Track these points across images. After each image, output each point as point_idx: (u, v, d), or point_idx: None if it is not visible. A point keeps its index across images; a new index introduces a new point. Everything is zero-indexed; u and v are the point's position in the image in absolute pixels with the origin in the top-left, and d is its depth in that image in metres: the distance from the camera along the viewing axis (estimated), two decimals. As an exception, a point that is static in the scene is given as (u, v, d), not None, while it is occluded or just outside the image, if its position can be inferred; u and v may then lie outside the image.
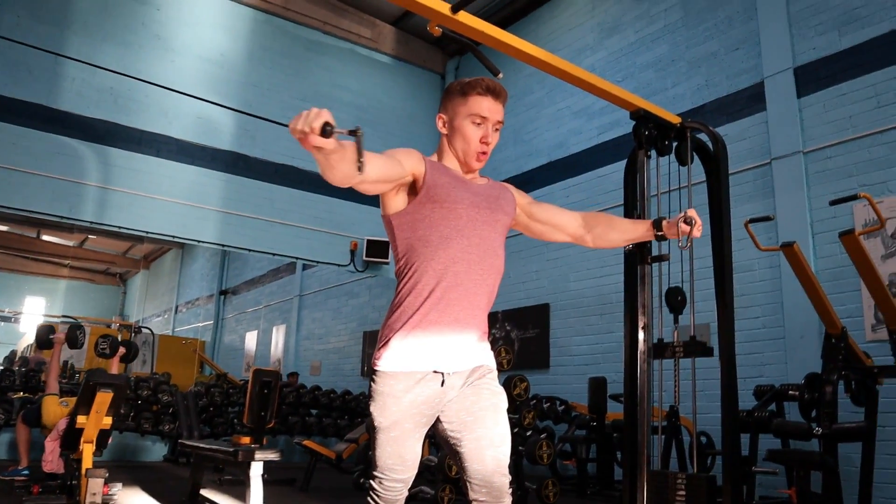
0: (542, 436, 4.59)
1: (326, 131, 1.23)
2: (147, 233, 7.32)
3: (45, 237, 18.62)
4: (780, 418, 4.20)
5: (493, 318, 7.77)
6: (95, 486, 3.65)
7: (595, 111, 7.39)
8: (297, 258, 8.49)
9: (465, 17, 2.16)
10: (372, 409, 1.66)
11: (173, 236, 7.41)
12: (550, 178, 7.80)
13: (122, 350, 5.26)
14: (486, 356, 1.77)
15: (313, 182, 8.05)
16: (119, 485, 4.60)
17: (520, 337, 7.76)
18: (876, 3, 5.14)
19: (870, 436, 3.65)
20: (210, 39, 7.92)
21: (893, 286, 4.82)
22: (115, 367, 5.18)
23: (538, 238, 2.04)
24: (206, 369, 14.88)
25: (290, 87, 8.32)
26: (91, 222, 6.95)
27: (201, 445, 4.36)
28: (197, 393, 8.03)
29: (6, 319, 19.11)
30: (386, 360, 1.66)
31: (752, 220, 3.89)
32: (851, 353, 3.89)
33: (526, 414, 4.43)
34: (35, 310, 20.85)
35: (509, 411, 3.04)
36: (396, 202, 1.72)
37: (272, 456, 3.84)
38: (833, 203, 3.68)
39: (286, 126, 1.32)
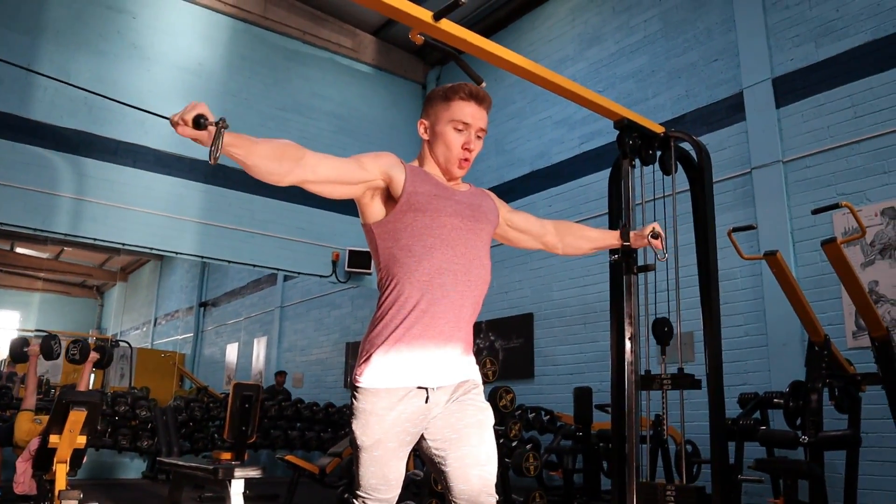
0: (528, 447, 4.55)
1: (200, 123, 1.30)
2: (124, 245, 7.18)
3: (20, 249, 18.25)
4: (766, 427, 4.21)
5: (476, 328, 7.72)
6: (69, 507, 3.53)
7: (577, 121, 7.41)
8: (278, 269, 8.38)
9: (447, 24, 2.13)
10: (354, 427, 1.60)
11: (151, 248, 7.28)
12: (532, 188, 7.80)
13: (94, 355, 4.95)
14: (471, 370, 1.72)
15: (294, 192, 7.96)
16: (94, 505, 4.47)
17: (503, 347, 7.72)
18: (851, 16, 5.22)
19: (855, 444, 3.65)
20: (188, 48, 7.82)
21: (873, 293, 4.87)
22: (86, 373, 4.90)
23: (510, 245, 2.03)
24: (186, 383, 14.64)
25: (269, 96, 8.24)
26: (66, 234, 6.80)
27: (180, 463, 4.25)
28: (176, 408, 7.87)
29: (-22, 334, 18.67)
30: (368, 377, 1.60)
31: (736, 230, 3.90)
32: (835, 361, 3.90)
33: (512, 426, 4.38)
34: (9, 324, 20.40)
35: (495, 423, 2.99)
36: (374, 210, 1.67)
37: (253, 473, 3.75)
38: (815, 212, 3.69)
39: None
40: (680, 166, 3.07)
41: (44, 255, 19.13)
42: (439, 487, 4.01)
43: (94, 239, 6.91)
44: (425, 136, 1.79)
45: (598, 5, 7.48)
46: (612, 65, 7.19)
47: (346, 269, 8.29)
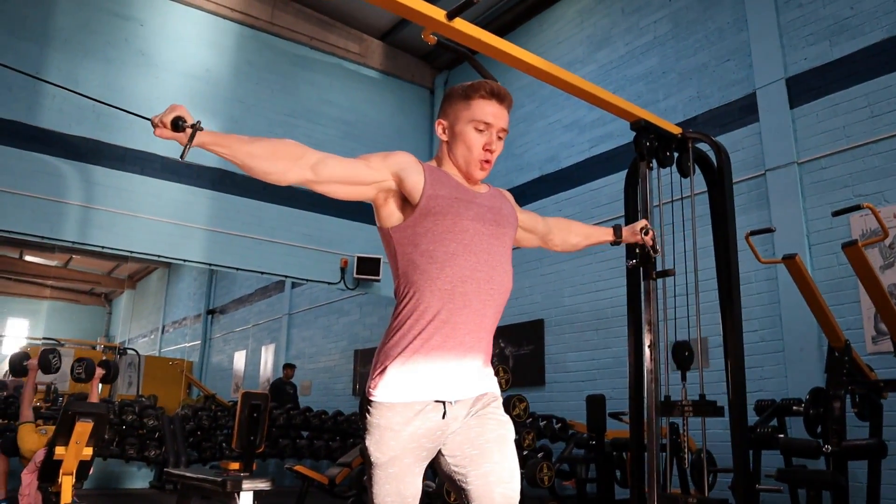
0: (539, 455, 4.46)
1: (178, 125, 1.32)
2: (132, 252, 7.14)
3: (28, 257, 18.29)
4: (784, 435, 4.10)
5: (486, 335, 7.63)
6: (75, 520, 3.47)
7: (586, 124, 7.34)
8: (286, 276, 8.33)
9: (461, 24, 2.07)
10: (368, 443, 1.52)
11: (159, 256, 7.24)
12: (542, 192, 7.72)
13: (100, 372, 4.99)
14: (490, 383, 1.64)
15: (302, 199, 7.92)
16: (101, 516, 4.41)
17: (514, 354, 7.63)
18: (866, 13, 5.13)
19: (880, 453, 3.54)
20: (195, 55, 7.80)
21: (893, 297, 4.76)
22: (94, 390, 4.96)
23: (514, 245, 1.96)
24: (193, 390, 14.61)
25: (276, 102, 8.21)
26: (73, 242, 6.77)
27: (188, 475, 4.18)
28: (184, 416, 7.81)
29: (-13, 342, 18.75)
30: (382, 390, 1.51)
31: (754, 233, 3.81)
32: (856, 367, 3.80)
33: (525, 435, 4.30)
34: (18, 332, 20.44)
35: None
36: (389, 213, 1.59)
37: (262, 486, 3.68)
38: (836, 214, 3.60)
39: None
40: (697, 168, 2.99)
41: (52, 263, 19.17)
42: (452, 499, 3.92)
43: (102, 247, 6.88)
44: (443, 137, 1.70)
45: (606, 7, 7.41)
46: (621, 67, 7.11)
47: (355, 275, 8.22)
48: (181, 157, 1.36)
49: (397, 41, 9.17)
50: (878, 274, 4.54)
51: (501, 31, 8.46)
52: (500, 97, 1.65)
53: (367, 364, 10.73)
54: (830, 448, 3.43)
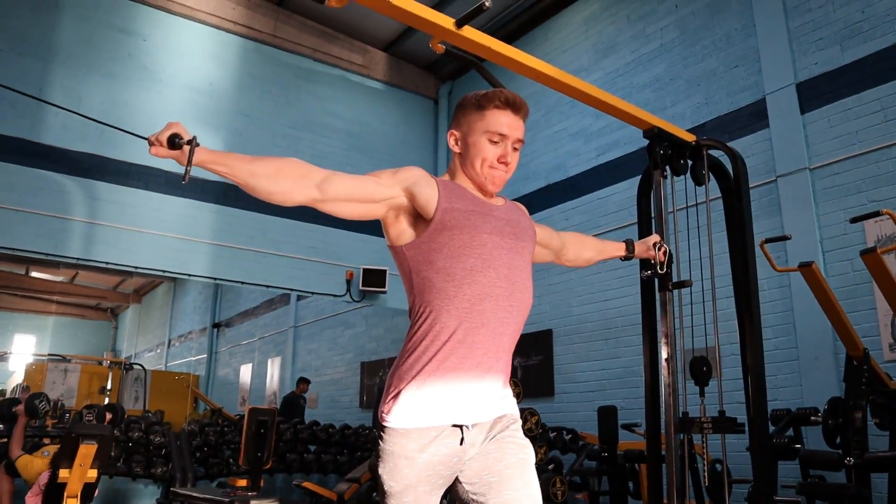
0: (549, 466, 4.37)
1: (175, 143, 1.30)
2: (136, 268, 7.10)
3: (34, 273, 18.31)
4: (801, 445, 4.00)
5: (494, 346, 7.56)
6: (80, 544, 3.39)
7: (593, 132, 7.28)
8: (291, 290, 8.27)
9: (470, 32, 2.01)
10: (381, 471, 1.44)
11: (164, 271, 7.19)
12: (549, 202, 7.66)
13: (108, 416, 5.22)
14: (509, 404, 1.56)
15: (307, 212, 7.83)
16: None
17: (522, 364, 7.55)
18: (878, 17, 5.06)
19: (904, 465, 3.44)
20: (198, 69, 7.79)
21: (910, 304, 4.66)
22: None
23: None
24: (200, 405, 14.55)
25: (280, 115, 8.18)
26: (78, 258, 6.73)
27: (194, 495, 4.11)
28: (191, 432, 7.74)
29: (-6, 359, 18.73)
30: (396, 415, 1.44)
31: (769, 241, 3.73)
32: (875, 376, 3.71)
33: (538, 449, 4.21)
34: (24, 348, 20.44)
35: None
36: (401, 230, 1.52)
37: (270, 505, 3.60)
38: (854, 220, 3.52)
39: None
40: (711, 175, 2.92)
41: (58, 279, 19.19)
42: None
43: (107, 262, 6.84)
44: (456, 149, 1.63)
45: (612, 14, 7.37)
46: (628, 74, 7.06)
47: (361, 287, 8.16)
48: (183, 179, 1.33)
49: (401, 52, 9.15)
50: (895, 280, 4.45)
51: (506, 40, 8.35)
52: (515, 107, 1.59)
53: (373, 376, 10.65)
54: (853, 460, 3.33)
